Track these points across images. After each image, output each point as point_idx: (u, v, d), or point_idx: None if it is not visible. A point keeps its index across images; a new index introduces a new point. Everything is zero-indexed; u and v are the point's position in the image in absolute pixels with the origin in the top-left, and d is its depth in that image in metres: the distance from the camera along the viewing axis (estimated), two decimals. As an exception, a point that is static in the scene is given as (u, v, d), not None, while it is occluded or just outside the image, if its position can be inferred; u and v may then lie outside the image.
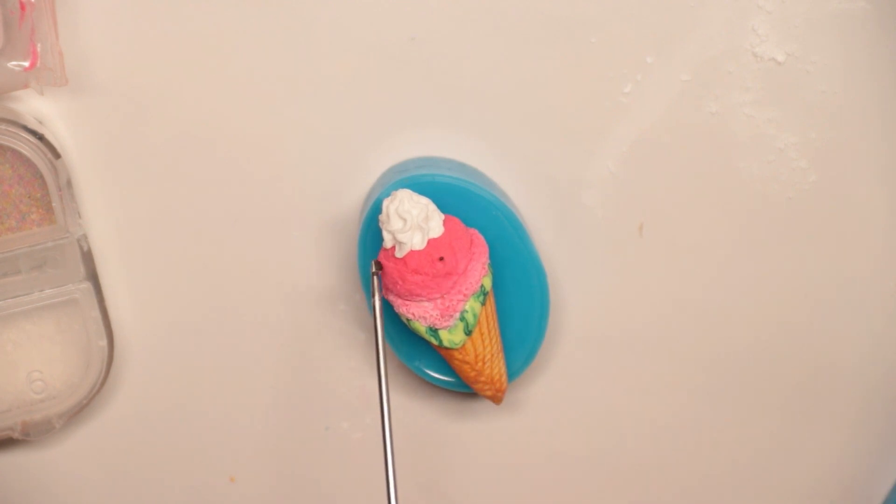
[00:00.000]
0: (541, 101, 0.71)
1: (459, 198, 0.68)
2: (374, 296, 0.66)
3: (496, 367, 0.69)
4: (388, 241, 0.66)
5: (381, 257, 0.66)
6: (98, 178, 0.71)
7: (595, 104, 0.71)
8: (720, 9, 0.69)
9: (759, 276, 0.73)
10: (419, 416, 0.75)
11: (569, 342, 0.74)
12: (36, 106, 0.70)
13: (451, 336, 0.67)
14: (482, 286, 0.66)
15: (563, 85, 0.70)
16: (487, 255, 0.67)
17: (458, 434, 0.76)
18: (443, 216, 0.66)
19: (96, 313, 0.70)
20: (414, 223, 0.65)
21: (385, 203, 0.65)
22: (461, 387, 0.71)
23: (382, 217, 0.65)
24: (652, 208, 0.72)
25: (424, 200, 0.65)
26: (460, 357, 0.67)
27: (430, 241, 0.65)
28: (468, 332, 0.67)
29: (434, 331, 0.66)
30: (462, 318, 0.66)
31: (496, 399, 0.70)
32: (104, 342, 0.71)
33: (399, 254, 0.65)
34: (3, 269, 0.69)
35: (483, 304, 0.67)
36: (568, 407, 0.75)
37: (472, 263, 0.66)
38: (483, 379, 0.69)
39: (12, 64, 0.66)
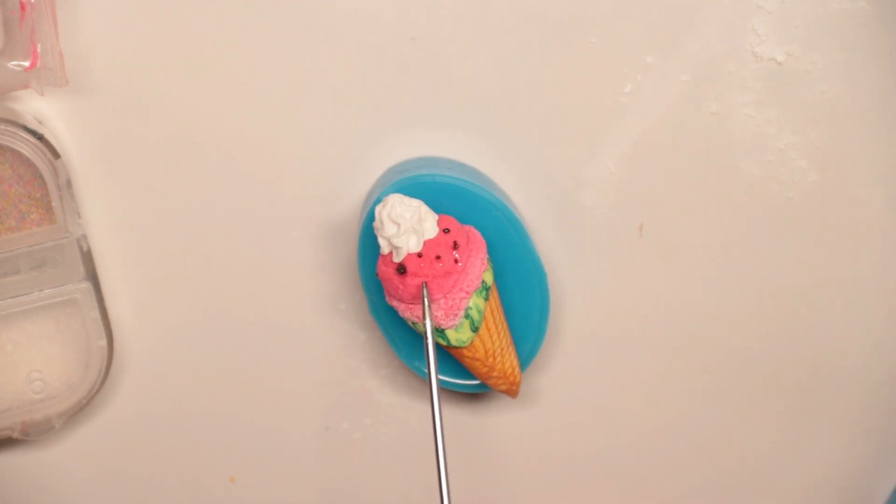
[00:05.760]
0: (541, 101, 0.71)
1: (459, 198, 0.68)
2: (425, 318, 0.66)
3: (507, 360, 0.68)
4: (384, 248, 0.65)
5: (380, 264, 0.66)
6: (98, 178, 0.71)
7: (595, 104, 0.71)
8: (720, 9, 0.69)
9: (759, 277, 0.73)
10: (419, 416, 0.75)
11: (569, 342, 0.74)
12: (36, 106, 0.70)
13: (459, 335, 0.66)
14: (483, 282, 0.66)
15: (563, 85, 0.70)
16: (485, 249, 0.67)
17: (459, 434, 0.76)
18: (436, 216, 0.66)
19: (96, 313, 0.70)
20: (408, 226, 0.65)
21: (377, 209, 0.65)
22: (462, 387, 0.71)
23: (376, 224, 0.65)
24: (652, 208, 0.72)
25: (416, 203, 0.65)
26: (470, 355, 0.67)
27: (425, 243, 0.65)
28: (475, 329, 0.66)
29: (441, 331, 0.66)
30: (467, 316, 0.66)
31: (511, 392, 0.70)
32: (104, 342, 0.71)
33: (397, 258, 0.65)
34: (3, 269, 0.69)
35: (486, 299, 0.66)
36: (568, 407, 0.75)
37: (471, 260, 0.66)
38: (496, 374, 0.68)
39: (12, 64, 0.66)
